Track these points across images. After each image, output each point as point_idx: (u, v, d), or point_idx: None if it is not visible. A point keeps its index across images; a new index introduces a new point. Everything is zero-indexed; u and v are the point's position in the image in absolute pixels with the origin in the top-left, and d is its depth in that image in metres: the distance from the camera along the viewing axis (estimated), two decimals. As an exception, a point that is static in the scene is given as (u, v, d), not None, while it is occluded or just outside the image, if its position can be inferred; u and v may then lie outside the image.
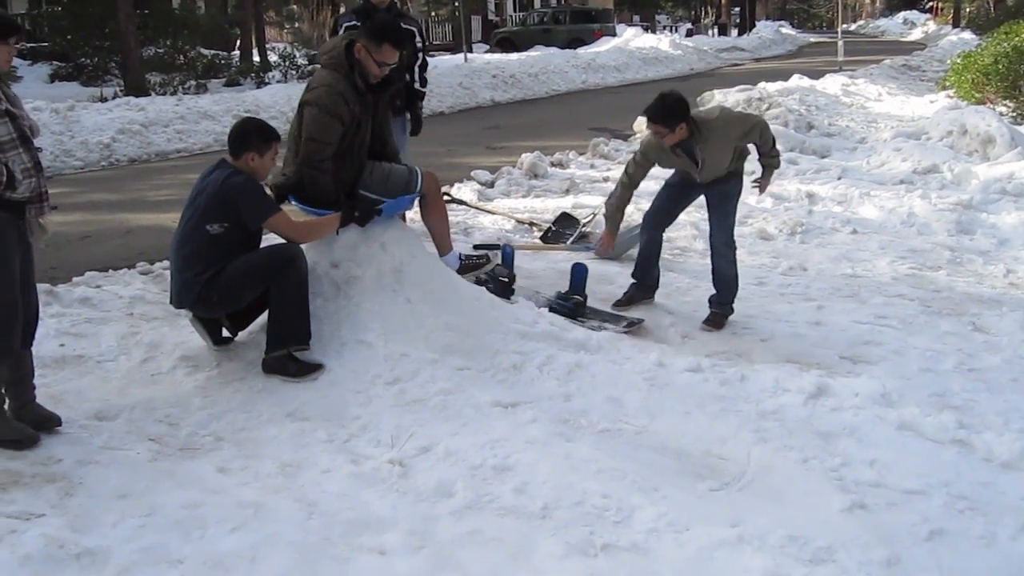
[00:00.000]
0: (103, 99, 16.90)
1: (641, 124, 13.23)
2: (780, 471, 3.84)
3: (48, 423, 4.08)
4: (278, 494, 3.65)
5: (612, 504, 3.54)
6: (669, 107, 5.33)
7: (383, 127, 5.34)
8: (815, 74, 19.25)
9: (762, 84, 16.13)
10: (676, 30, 48.42)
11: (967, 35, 37.12)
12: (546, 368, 4.76)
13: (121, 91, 18.53)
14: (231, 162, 4.65)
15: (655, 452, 4.00)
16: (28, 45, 22.50)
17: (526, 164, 10.52)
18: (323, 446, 4.05)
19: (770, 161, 5.82)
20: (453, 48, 33.15)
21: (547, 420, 4.22)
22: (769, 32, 45.44)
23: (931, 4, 63.22)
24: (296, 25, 36.06)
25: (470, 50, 27.97)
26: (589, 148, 12.14)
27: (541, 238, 7.80)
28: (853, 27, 61.90)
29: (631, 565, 3.23)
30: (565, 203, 8.91)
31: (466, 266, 5.63)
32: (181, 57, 22.30)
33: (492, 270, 5.83)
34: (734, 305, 5.73)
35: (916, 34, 51.83)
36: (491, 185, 9.96)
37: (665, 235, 6.10)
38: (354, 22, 6.37)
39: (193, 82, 20.66)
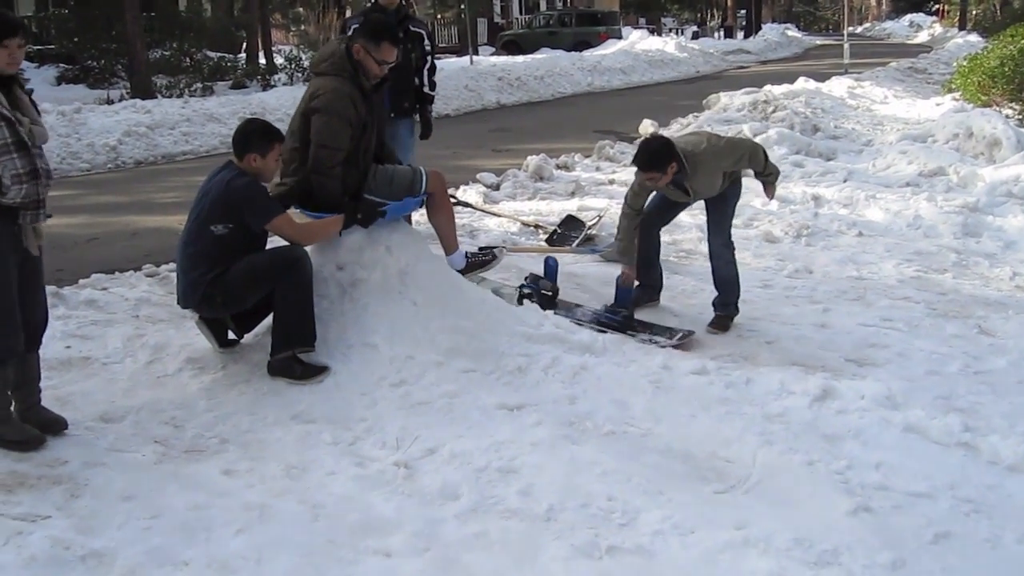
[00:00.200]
0: (109, 101, 16.96)
1: (647, 127, 13.26)
2: (785, 474, 3.84)
3: (54, 426, 4.09)
4: (283, 496, 3.66)
5: (617, 506, 3.54)
6: (656, 152, 5.38)
7: (380, 129, 5.32)
8: (821, 77, 19.24)
9: (768, 87, 16.12)
10: (682, 32, 48.40)
11: (973, 38, 37.11)
12: (551, 370, 4.76)
13: (127, 93, 18.58)
14: (237, 163, 4.67)
15: (660, 455, 4.00)
16: (35, 47, 22.56)
17: (532, 166, 10.53)
18: (328, 448, 4.05)
19: (767, 178, 5.84)
20: (459, 51, 33.13)
21: (552, 422, 4.22)
22: (775, 35, 45.40)
23: (937, 7, 63.18)
24: (302, 28, 36.06)
25: (476, 52, 28.00)
26: (595, 151, 12.14)
27: (547, 240, 7.79)
28: (859, 30, 61.91)
29: (636, 567, 3.23)
30: (571, 206, 8.92)
31: (472, 264, 5.60)
32: (187, 59, 22.36)
33: (537, 282, 5.84)
34: (739, 306, 5.73)
35: (922, 36, 51.76)
36: (496, 187, 9.97)
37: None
38: None
39: (199, 84, 20.71)
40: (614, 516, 3.50)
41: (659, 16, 52.52)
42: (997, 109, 13.27)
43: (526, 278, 5.91)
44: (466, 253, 5.57)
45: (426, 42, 6.83)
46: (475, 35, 31.94)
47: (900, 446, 4.07)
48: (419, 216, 6.47)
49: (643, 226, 5.82)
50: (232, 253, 4.62)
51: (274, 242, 4.92)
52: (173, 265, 5.26)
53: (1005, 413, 4.42)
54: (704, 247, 7.08)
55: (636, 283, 5.94)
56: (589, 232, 7.74)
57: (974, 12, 51.12)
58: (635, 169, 5.58)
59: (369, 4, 6.86)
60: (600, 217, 8.05)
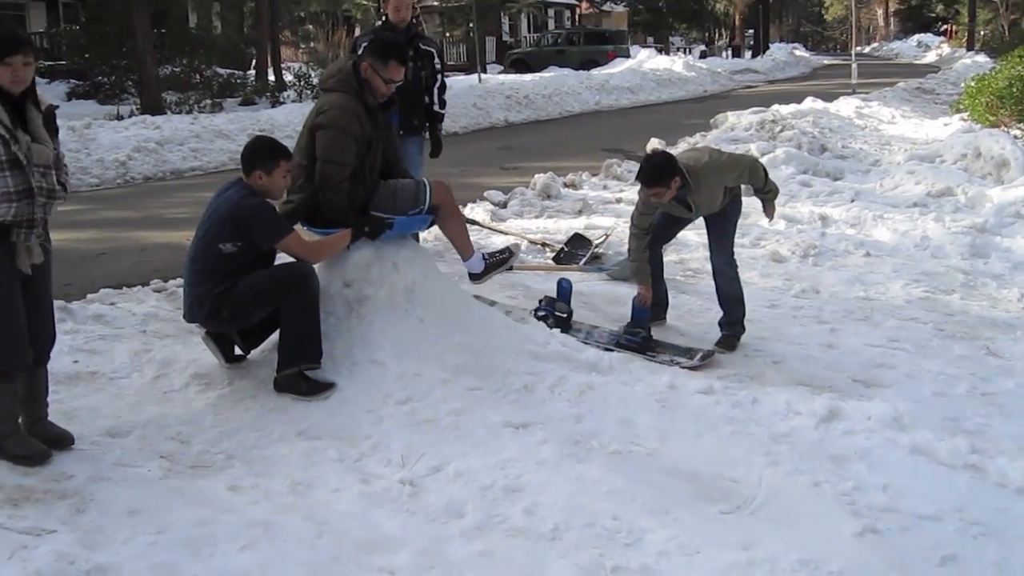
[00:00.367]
0: (119, 117, 17.06)
1: (654, 146, 13.28)
2: (792, 495, 3.82)
3: (61, 441, 4.09)
4: (288, 513, 3.66)
5: (623, 526, 3.53)
6: (659, 167, 5.38)
7: (388, 148, 5.31)
8: (829, 96, 19.27)
9: (776, 106, 16.18)
10: (690, 52, 48.50)
11: (981, 58, 37.18)
12: (557, 389, 4.75)
13: (137, 109, 18.70)
14: (246, 181, 4.69)
15: (666, 474, 3.99)
16: (46, 63, 22.73)
17: (539, 185, 10.55)
18: (334, 465, 4.05)
19: (766, 196, 5.85)
20: (467, 69, 33.30)
21: (558, 441, 4.21)
22: (783, 54, 45.50)
23: (945, 27, 63.33)
24: (311, 45, 36.28)
25: (484, 71, 28.09)
26: (602, 169, 12.16)
27: (554, 259, 7.80)
28: (867, 49, 61.94)
29: (641, 588, 3.22)
30: (578, 224, 8.94)
31: (491, 265, 5.55)
32: (197, 76, 22.52)
33: (552, 304, 5.83)
34: (745, 325, 5.72)
35: (930, 57, 51.85)
36: (504, 205, 9.98)
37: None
38: None
39: (208, 101, 20.83)
40: (619, 536, 3.48)
41: (667, 35, 52.67)
42: (1005, 130, 13.27)
43: (540, 301, 5.90)
44: (483, 255, 5.54)
45: (436, 60, 6.85)
46: (483, 53, 32.06)
47: (907, 468, 4.05)
48: (426, 233, 6.47)
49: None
50: (240, 270, 4.63)
51: (282, 258, 4.93)
52: (181, 280, 5.27)
53: (1013, 435, 4.40)
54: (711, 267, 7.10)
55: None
56: (596, 250, 7.75)
57: (982, 32, 51.23)
58: (639, 187, 5.59)
59: (379, 22, 6.88)
60: (607, 235, 8.05)
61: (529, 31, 46.81)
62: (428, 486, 3.85)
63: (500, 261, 5.56)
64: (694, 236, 7.27)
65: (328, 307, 4.91)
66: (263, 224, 4.63)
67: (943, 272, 7.39)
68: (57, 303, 4.72)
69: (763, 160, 8.73)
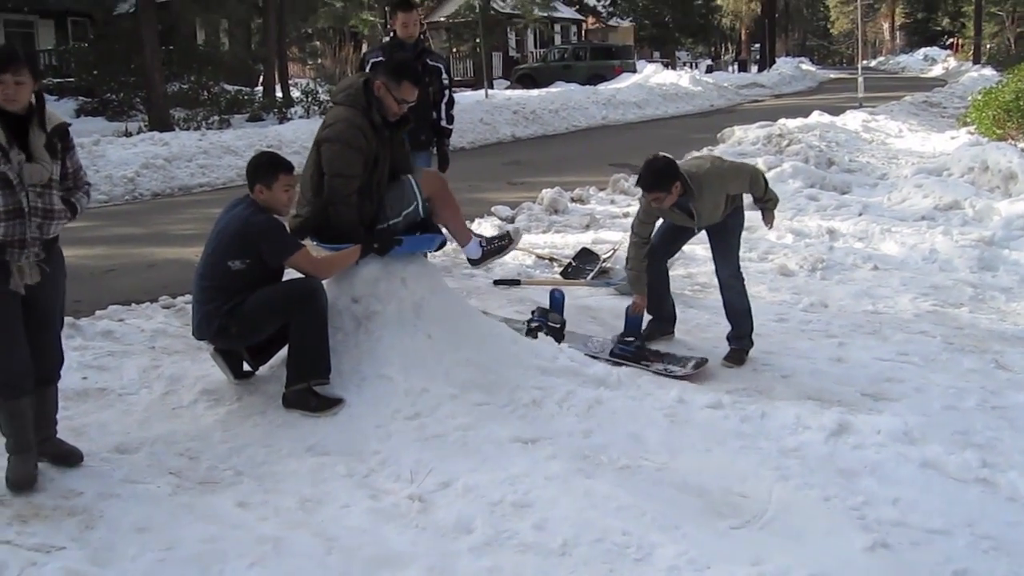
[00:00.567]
0: (128, 134, 17.13)
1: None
2: (801, 509, 3.81)
3: (70, 458, 4.10)
4: (297, 529, 3.65)
5: (632, 541, 3.52)
6: (660, 171, 5.38)
7: (402, 166, 5.30)
8: (835, 110, 19.27)
9: (782, 120, 16.17)
10: (696, 66, 48.58)
11: (988, 71, 37.18)
12: (566, 404, 4.75)
13: (145, 126, 18.78)
14: (252, 197, 4.70)
15: (675, 489, 3.98)
16: (54, 80, 22.87)
17: (546, 199, 10.57)
18: (343, 481, 4.05)
19: (766, 204, 5.85)
20: (474, 84, 33.41)
21: (567, 456, 4.20)
22: (789, 68, 45.51)
23: (951, 40, 63.35)
24: (319, 61, 36.47)
25: (491, 86, 28.18)
26: (609, 184, 12.16)
27: (561, 273, 7.81)
28: (873, 63, 61.98)
29: (651, 604, 3.21)
30: (585, 238, 8.94)
31: (488, 252, 5.54)
32: (205, 93, 22.62)
33: (545, 315, 5.84)
34: (753, 339, 5.71)
35: (937, 70, 51.81)
36: (511, 220, 9.99)
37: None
38: (381, 58, 6.37)
39: (216, 117, 20.91)
40: (629, 551, 3.47)
41: (673, 50, 52.75)
42: (1012, 143, 13.25)
43: (533, 312, 5.93)
44: (481, 241, 5.53)
45: (444, 76, 6.88)
46: (490, 69, 32.17)
47: (917, 482, 4.04)
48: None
49: (650, 258, 5.79)
50: (248, 287, 4.64)
51: (290, 274, 4.94)
52: (190, 297, 5.29)
53: (1023, 448, 4.38)
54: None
55: (649, 317, 5.94)
56: (604, 265, 7.75)
57: (988, 46, 51.29)
58: (640, 194, 5.58)
59: (387, 39, 6.91)
60: (615, 250, 8.06)
61: (535, 46, 46.94)
62: (437, 502, 3.85)
63: (499, 248, 5.56)
64: (701, 250, 7.26)
65: (336, 322, 4.91)
66: (272, 242, 4.65)
67: (951, 285, 7.37)
68: (66, 319, 4.73)
69: (770, 174, 8.74)
